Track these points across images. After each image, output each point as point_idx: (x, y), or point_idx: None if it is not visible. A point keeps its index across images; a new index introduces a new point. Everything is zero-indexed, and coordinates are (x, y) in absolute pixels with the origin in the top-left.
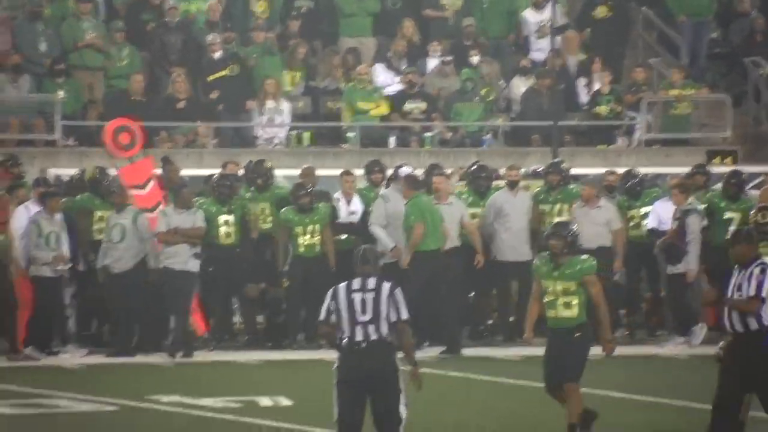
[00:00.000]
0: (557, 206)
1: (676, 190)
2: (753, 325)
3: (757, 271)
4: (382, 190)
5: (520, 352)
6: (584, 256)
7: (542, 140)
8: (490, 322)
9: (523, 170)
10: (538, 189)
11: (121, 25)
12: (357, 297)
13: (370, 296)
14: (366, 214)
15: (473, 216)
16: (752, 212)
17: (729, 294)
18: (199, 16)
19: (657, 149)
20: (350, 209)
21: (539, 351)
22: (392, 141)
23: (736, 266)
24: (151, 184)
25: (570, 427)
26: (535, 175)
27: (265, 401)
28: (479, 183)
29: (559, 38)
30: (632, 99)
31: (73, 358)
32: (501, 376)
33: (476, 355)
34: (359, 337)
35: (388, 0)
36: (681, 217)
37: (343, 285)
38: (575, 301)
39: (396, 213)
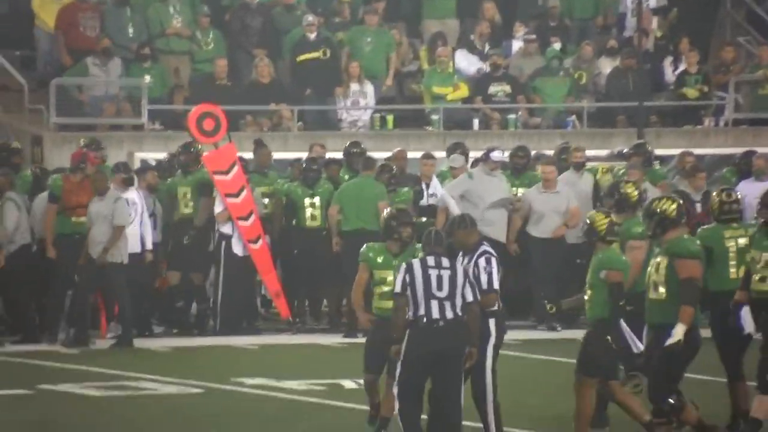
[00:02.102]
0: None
1: (701, 174)
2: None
3: (482, 262)
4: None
5: None
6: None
7: (627, 121)
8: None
9: (607, 152)
10: (622, 170)
11: (207, 9)
12: (433, 273)
13: (446, 273)
14: None
15: None
16: (714, 193)
17: None
18: None
19: (745, 129)
20: (429, 192)
21: None
22: (476, 123)
23: (461, 254)
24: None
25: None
26: (619, 156)
27: (349, 384)
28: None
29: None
30: (721, 79)
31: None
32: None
33: (561, 338)
34: (435, 314)
35: None
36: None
37: (417, 260)
38: None
39: (476, 192)
